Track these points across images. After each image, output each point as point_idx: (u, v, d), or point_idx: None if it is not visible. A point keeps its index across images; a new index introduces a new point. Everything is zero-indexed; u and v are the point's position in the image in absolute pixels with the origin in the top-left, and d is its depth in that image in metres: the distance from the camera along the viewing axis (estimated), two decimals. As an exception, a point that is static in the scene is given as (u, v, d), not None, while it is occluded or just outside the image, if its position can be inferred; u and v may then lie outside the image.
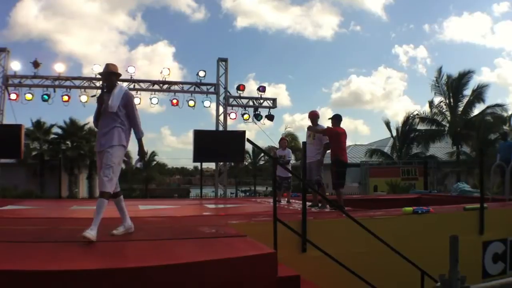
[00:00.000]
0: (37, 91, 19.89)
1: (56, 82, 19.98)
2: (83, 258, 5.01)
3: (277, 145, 14.83)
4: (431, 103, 35.32)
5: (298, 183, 22.69)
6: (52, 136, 42.05)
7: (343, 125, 11.54)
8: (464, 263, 5.25)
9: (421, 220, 9.58)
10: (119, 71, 6.89)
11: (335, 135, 11.38)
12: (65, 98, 19.86)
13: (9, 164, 29.10)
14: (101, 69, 18.18)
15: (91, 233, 5.66)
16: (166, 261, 4.82)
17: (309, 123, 11.97)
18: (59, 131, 42.06)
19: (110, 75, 6.74)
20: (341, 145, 11.48)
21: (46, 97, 19.73)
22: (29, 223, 8.30)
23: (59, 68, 19.97)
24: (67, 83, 20.09)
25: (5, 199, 19.23)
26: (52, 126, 41.51)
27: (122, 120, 6.54)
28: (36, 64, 19.59)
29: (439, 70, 34.89)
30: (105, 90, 6.69)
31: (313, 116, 11.93)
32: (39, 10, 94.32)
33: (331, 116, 11.81)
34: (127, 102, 6.62)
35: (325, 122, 12.06)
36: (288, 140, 42.74)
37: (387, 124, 37.53)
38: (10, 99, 19.71)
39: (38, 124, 40.27)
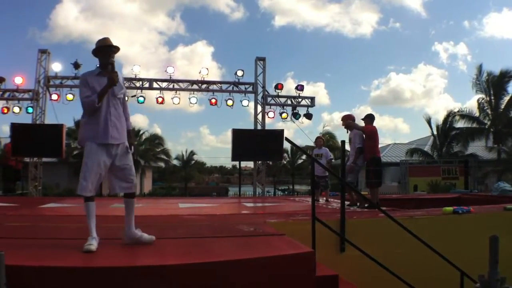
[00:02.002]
0: (78, 92, 20.09)
1: (97, 83, 20.21)
2: (122, 255, 5.10)
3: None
4: (479, 102, 34.79)
5: (336, 182, 22.65)
6: (93, 135, 42.68)
7: (382, 123, 11.66)
8: (504, 264, 5.19)
9: (462, 220, 9.47)
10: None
11: (372, 133, 11.42)
12: (106, 98, 20.06)
13: (51, 163, 29.67)
14: (139, 69, 17.82)
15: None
16: (206, 259, 4.86)
17: (342, 128, 12.12)
18: (100, 130, 42.65)
19: (116, 50, 5.74)
20: (376, 143, 11.57)
21: (87, 97, 19.95)
22: (71, 221, 8.45)
23: (99, 69, 20.17)
24: (107, 83, 20.30)
25: (47, 197, 19.68)
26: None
27: None
28: (76, 65, 19.83)
29: (479, 68, 34.43)
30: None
31: (349, 118, 12.01)
32: (79, 11, 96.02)
33: (364, 116, 11.87)
34: (124, 89, 5.92)
35: (359, 122, 12.08)
36: (327, 138, 42.89)
37: (429, 122, 37.19)
38: (51, 99, 20.03)
39: (79, 124, 40.96)
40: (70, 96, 19.93)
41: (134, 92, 20.53)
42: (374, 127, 11.64)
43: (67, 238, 6.10)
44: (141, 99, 20.58)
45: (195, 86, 21.12)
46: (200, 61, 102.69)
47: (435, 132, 36.94)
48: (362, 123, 11.84)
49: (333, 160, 14.99)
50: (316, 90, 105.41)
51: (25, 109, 19.81)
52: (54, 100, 19.99)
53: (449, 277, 7.51)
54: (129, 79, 20.55)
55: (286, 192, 47.23)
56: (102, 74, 5.61)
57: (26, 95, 20.03)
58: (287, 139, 8.28)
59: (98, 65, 5.72)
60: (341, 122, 12.12)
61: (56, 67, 19.99)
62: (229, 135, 20.54)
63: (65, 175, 38.12)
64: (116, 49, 5.68)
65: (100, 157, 5.50)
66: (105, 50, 5.62)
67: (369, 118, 11.72)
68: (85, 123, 5.71)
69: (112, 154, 5.57)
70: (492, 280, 4.88)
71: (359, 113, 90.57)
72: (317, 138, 14.71)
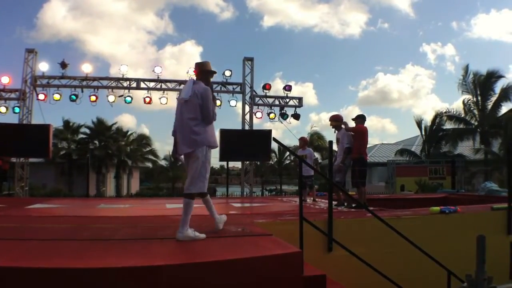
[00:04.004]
0: (65, 92, 20.09)
1: (84, 83, 20.16)
2: (110, 256, 5.06)
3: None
4: (465, 103, 34.89)
5: (324, 182, 22.67)
6: (80, 135, 42.52)
7: (370, 123, 11.67)
8: (491, 263, 5.22)
9: (448, 220, 9.52)
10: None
11: (361, 134, 11.45)
12: (93, 98, 20.00)
13: (38, 163, 29.52)
14: (126, 69, 18.19)
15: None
16: (193, 259, 4.87)
17: (330, 127, 12.16)
18: (87, 130, 42.54)
19: None
20: (365, 144, 11.61)
21: (74, 97, 19.90)
22: (57, 222, 8.42)
23: (87, 68, 20.18)
24: (95, 83, 20.28)
25: (33, 197, 19.58)
26: (80, 126, 41.98)
27: None
28: (63, 65, 19.80)
29: (466, 68, 34.57)
30: None
31: (338, 118, 12.03)
32: (67, 10, 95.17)
33: (354, 116, 11.91)
34: None
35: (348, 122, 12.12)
36: (315, 138, 42.99)
37: (418, 123, 37.24)
38: (38, 99, 19.92)
39: (66, 124, 40.74)
40: (57, 96, 19.83)
41: (121, 92, 20.47)
42: (365, 127, 11.67)
43: (53, 239, 6.06)
44: (128, 99, 20.50)
45: (182, 86, 21.05)
46: (188, 60, 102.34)
47: (423, 133, 37.05)
48: (352, 123, 11.88)
49: (319, 161, 15.04)
50: (305, 90, 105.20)
51: (12, 109, 19.68)
52: (41, 100, 19.87)
53: (437, 276, 7.55)
54: (117, 79, 20.51)
55: (273, 192, 47.23)
56: None
57: (12, 95, 19.89)
58: (274, 139, 8.28)
59: (202, 82, 6.60)
60: (329, 122, 12.15)
61: (43, 66, 19.87)
62: (216, 135, 20.45)
63: (51, 175, 37.97)
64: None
65: None
66: (211, 73, 6.86)
67: (360, 118, 11.76)
68: (206, 131, 6.48)
69: None
70: (479, 280, 4.90)
71: (347, 114, 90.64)
72: (300, 138, 14.71)
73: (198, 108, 6.29)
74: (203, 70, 6.68)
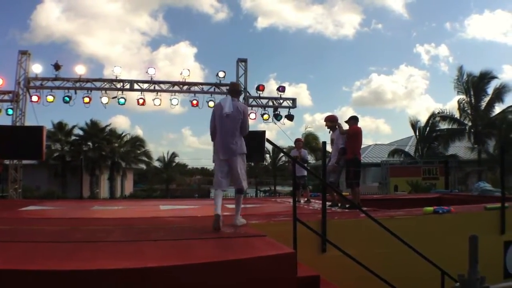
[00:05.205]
0: (58, 93, 20.03)
1: (77, 84, 20.12)
2: (103, 258, 5.05)
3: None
4: (459, 103, 35.01)
5: (318, 183, 22.67)
6: (74, 137, 42.36)
7: (364, 123, 11.73)
8: (485, 263, 5.23)
9: (442, 220, 9.54)
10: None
11: (356, 134, 11.48)
12: (86, 100, 19.96)
13: (31, 165, 29.43)
14: (120, 71, 18.59)
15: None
16: (186, 261, 4.85)
17: (324, 128, 12.22)
18: (81, 132, 42.40)
19: None
20: (359, 145, 11.66)
21: (67, 99, 19.85)
22: (50, 224, 8.39)
23: (80, 70, 20.13)
24: (88, 84, 20.24)
25: (27, 199, 19.50)
26: (73, 127, 41.84)
27: None
28: (57, 67, 19.76)
29: (460, 69, 34.68)
30: None
31: (332, 119, 12.08)
32: (60, 12, 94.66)
33: (348, 118, 11.94)
34: None
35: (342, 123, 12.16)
36: (310, 139, 42.99)
37: (413, 125, 37.30)
38: (31, 101, 19.85)
39: (59, 126, 40.60)
40: (50, 98, 19.76)
41: (115, 93, 20.45)
42: (359, 128, 11.70)
43: (47, 241, 6.04)
44: (122, 100, 20.50)
45: (176, 88, 21.08)
46: (183, 62, 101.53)
47: (417, 134, 37.14)
48: (345, 125, 11.91)
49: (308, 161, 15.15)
50: (298, 91, 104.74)
51: (5, 111, 19.60)
52: (34, 101, 19.81)
53: (430, 276, 7.56)
54: (110, 81, 20.48)
55: (267, 194, 47.19)
56: None
57: (6, 97, 19.81)
58: (268, 141, 8.32)
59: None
60: (324, 123, 12.19)
61: (37, 68, 19.82)
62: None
63: (45, 177, 37.84)
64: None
65: None
66: (241, 93, 7.75)
67: (354, 120, 11.81)
68: (242, 141, 7.89)
69: None
70: (472, 280, 4.91)
71: (341, 114, 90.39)
72: (296, 140, 14.78)
73: (240, 122, 7.54)
74: (237, 90, 8.20)
